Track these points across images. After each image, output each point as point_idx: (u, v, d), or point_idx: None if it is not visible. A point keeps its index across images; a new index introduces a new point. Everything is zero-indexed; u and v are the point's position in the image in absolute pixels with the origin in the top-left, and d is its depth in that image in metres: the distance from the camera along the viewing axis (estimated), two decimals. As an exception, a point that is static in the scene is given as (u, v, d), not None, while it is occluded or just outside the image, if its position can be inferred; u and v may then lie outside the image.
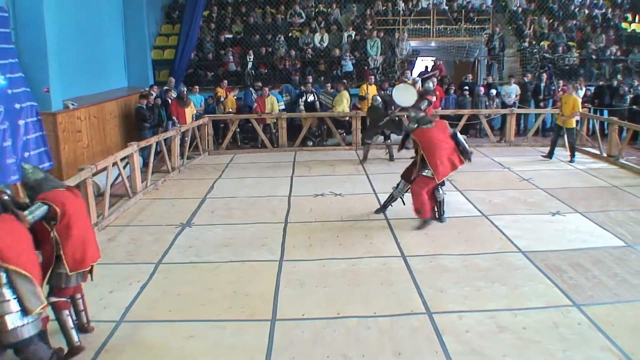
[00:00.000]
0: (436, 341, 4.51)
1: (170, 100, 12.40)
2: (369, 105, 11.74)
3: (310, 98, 13.39)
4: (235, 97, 13.52)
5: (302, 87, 13.72)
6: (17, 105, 8.21)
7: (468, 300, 5.17)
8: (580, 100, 11.48)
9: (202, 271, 6.00)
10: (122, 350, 4.47)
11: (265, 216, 7.85)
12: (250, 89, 13.57)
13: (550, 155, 11.35)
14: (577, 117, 11.55)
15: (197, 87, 13.47)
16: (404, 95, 10.34)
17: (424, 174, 7.18)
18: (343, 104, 12.98)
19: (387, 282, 5.62)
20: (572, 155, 11.17)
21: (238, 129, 13.26)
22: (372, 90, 13.27)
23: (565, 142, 11.29)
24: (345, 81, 13.78)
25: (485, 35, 16.09)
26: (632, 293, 5.29)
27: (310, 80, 13.81)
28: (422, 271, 5.86)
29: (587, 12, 17.47)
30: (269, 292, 5.44)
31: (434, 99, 12.18)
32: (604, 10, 17.49)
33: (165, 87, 13.00)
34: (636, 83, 13.88)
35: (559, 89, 13.85)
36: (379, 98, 11.45)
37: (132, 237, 7.14)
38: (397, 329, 4.71)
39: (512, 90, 13.97)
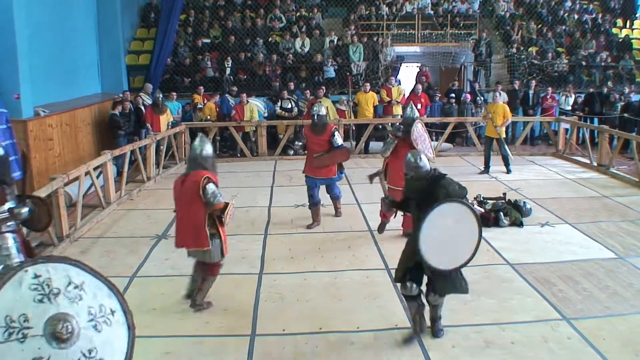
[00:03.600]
0: (422, 357, 4.41)
1: (144, 107, 12.11)
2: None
3: (287, 105, 13.19)
4: (214, 103, 13.25)
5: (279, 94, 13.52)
6: (-14, 112, 7.97)
7: (454, 314, 5.04)
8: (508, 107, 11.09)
9: (179, 284, 5.79)
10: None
11: (244, 227, 7.66)
12: (226, 95, 13.35)
13: (487, 169, 10.91)
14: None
15: (174, 93, 13.19)
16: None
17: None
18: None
19: (371, 295, 5.50)
20: (507, 165, 10.84)
21: (219, 137, 13.05)
22: (369, 98, 12.99)
23: (499, 153, 10.90)
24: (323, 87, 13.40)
25: (471, 41, 15.86)
26: (624, 306, 5.21)
27: (292, 87, 13.65)
28: (407, 284, 5.72)
29: (576, 17, 17.16)
30: (248, 306, 5.32)
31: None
32: (594, 16, 17.22)
33: (141, 93, 12.74)
34: (627, 90, 13.67)
35: (548, 96, 13.76)
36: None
37: (106, 249, 6.96)
38: (381, 344, 4.61)
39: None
